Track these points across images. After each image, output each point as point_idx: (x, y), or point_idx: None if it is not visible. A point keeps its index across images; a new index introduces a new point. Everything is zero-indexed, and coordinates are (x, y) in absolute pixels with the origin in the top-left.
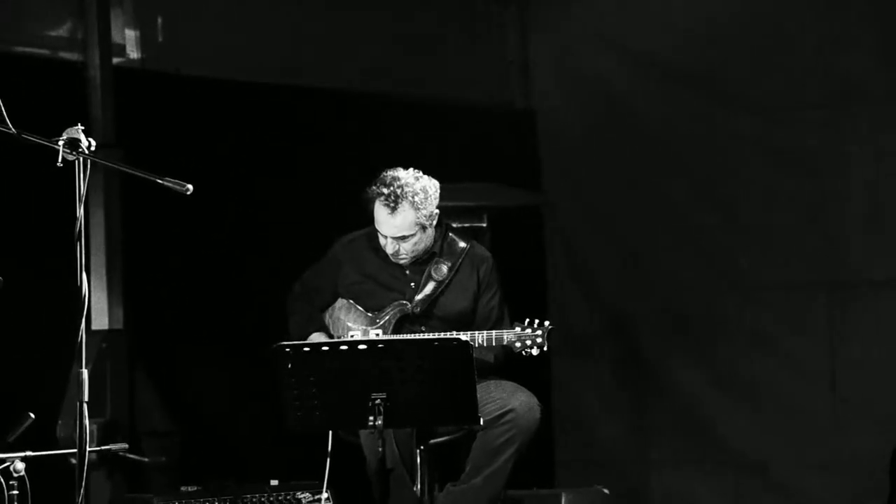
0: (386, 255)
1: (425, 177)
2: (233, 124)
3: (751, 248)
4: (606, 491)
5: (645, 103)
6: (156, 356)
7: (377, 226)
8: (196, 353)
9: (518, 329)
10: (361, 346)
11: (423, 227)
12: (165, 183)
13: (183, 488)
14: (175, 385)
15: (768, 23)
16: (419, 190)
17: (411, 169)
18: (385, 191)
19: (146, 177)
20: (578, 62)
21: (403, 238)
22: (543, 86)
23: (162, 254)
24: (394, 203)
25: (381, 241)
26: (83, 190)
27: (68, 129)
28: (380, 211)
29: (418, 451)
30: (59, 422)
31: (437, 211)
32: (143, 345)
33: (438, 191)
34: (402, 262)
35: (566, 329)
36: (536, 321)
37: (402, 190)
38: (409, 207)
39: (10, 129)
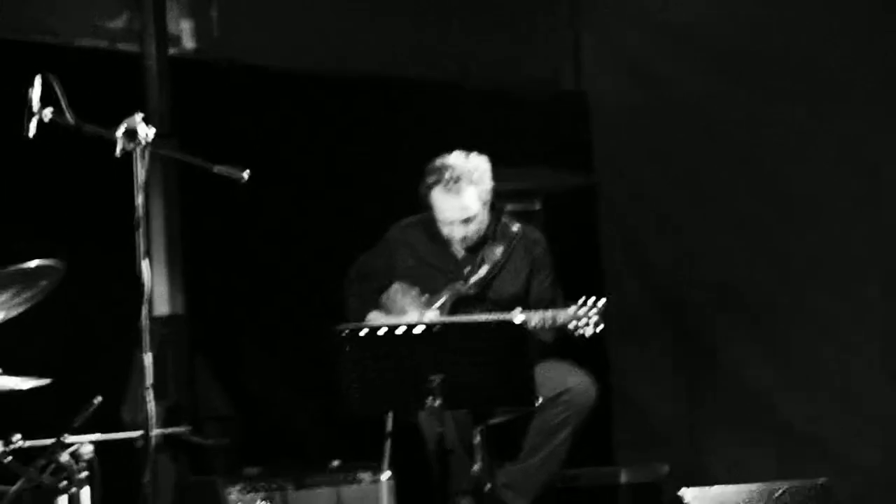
0: (442, 241)
1: (472, 154)
2: (286, 113)
3: (806, 230)
4: (666, 467)
5: (696, 85)
6: (216, 342)
7: (440, 214)
8: (257, 338)
9: (572, 309)
10: (418, 329)
11: (484, 204)
12: (220, 171)
13: (246, 470)
14: (235, 370)
15: (821, 3)
16: (473, 167)
17: (456, 151)
18: (442, 177)
19: (202, 165)
20: (628, 43)
21: (470, 220)
22: (594, 67)
23: (220, 241)
24: (455, 184)
25: (446, 230)
26: (142, 178)
27: (128, 119)
28: (442, 198)
29: (476, 431)
30: (125, 406)
31: (493, 185)
32: (203, 331)
33: (489, 165)
34: (468, 245)
35: (621, 310)
36: (591, 299)
37: (458, 171)
38: (469, 185)
39: (71, 120)
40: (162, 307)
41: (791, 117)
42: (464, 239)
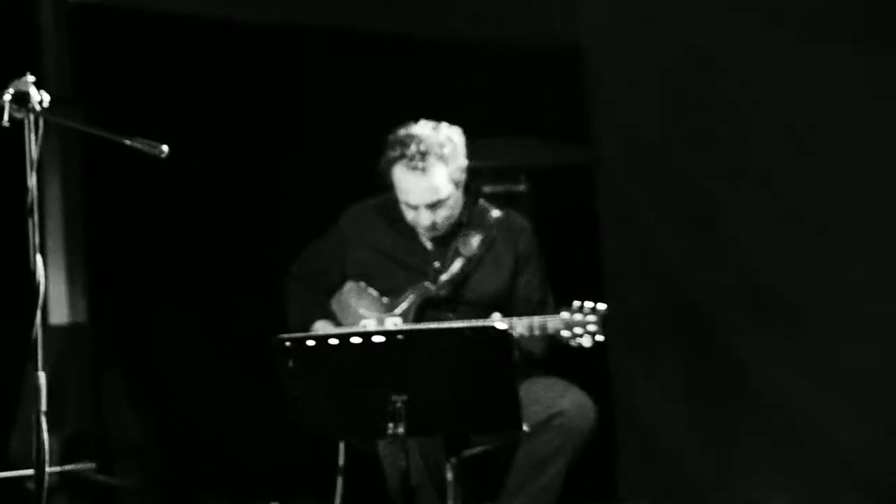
0: (404, 227)
1: (443, 124)
2: (215, 73)
3: (849, 211)
4: None
5: (719, 37)
6: (127, 356)
7: (404, 195)
8: (178, 350)
9: (565, 314)
10: (377, 338)
11: (456, 185)
12: (135, 145)
13: None
14: (151, 391)
15: None
16: (444, 140)
17: (423, 121)
18: (406, 151)
19: (112, 138)
20: None
21: (438, 203)
22: (592, 17)
23: (133, 231)
24: (421, 161)
25: (409, 214)
26: (35, 154)
27: (15, 82)
28: (405, 176)
29: (448, 464)
30: (13, 437)
31: (466, 163)
32: (112, 342)
33: (463, 138)
34: (437, 234)
35: (624, 312)
36: (588, 304)
37: (425, 144)
38: (438, 163)
39: None
40: (60, 314)
41: (839, 76)
42: (432, 226)
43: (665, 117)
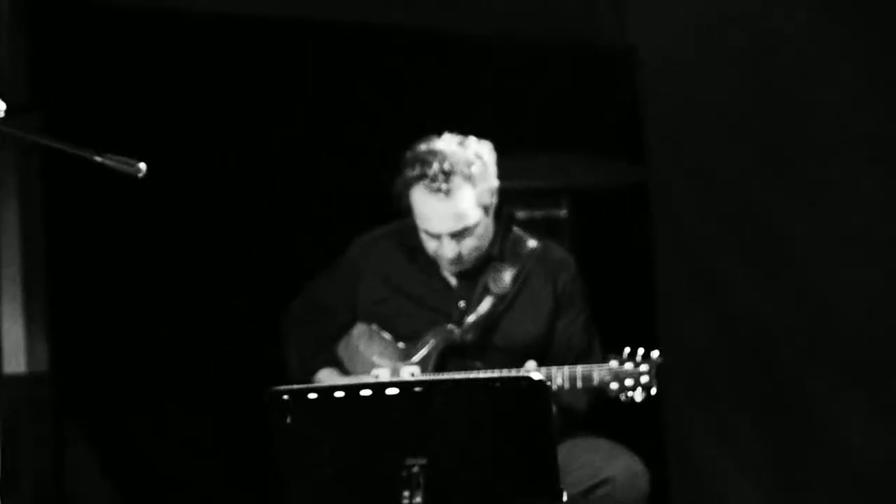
0: (424, 259)
1: (471, 138)
2: (199, 75)
3: None
4: None
5: (792, 37)
6: (93, 410)
7: (424, 222)
8: (152, 403)
9: (614, 363)
10: (391, 391)
11: (486, 210)
12: (107, 162)
13: None
14: (121, 450)
15: None
16: (472, 157)
17: (447, 134)
18: (428, 170)
19: (79, 153)
20: None
21: (465, 231)
22: (647, 13)
23: (102, 265)
24: (445, 182)
25: (431, 245)
26: None
27: None
28: (425, 200)
29: None
30: None
31: (498, 184)
32: (75, 394)
33: (494, 155)
34: (464, 268)
35: (683, 360)
36: (640, 351)
37: (450, 163)
38: (465, 184)
39: None
40: (16, 362)
41: None
42: (457, 259)
43: (732, 132)
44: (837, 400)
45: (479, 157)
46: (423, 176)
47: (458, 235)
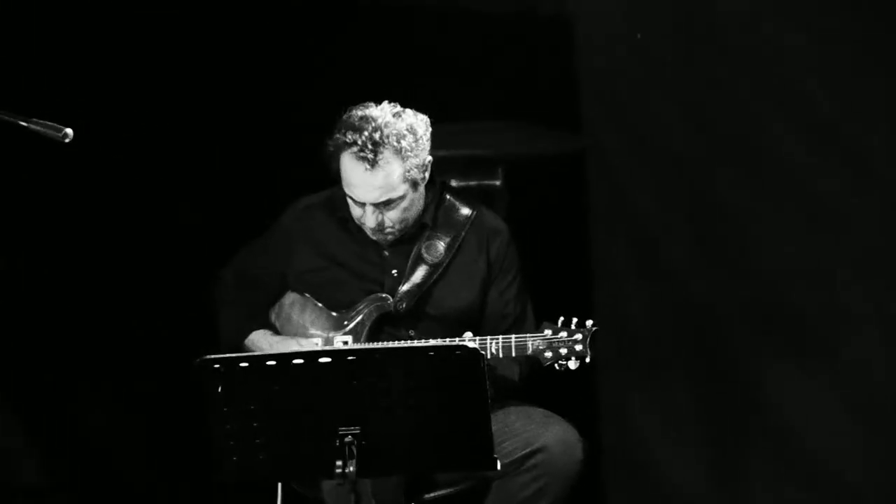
0: (356, 228)
1: (408, 111)
2: (125, 30)
3: (890, 212)
4: None
5: (732, 6)
6: (20, 385)
7: (349, 189)
8: (83, 376)
9: (548, 332)
10: (324, 359)
11: (415, 184)
12: (32, 126)
13: None
14: (53, 424)
15: None
16: (404, 130)
17: (386, 102)
18: (356, 138)
19: (6, 118)
20: None
21: (389, 203)
22: None
23: (25, 232)
24: (372, 153)
25: (356, 211)
26: None
27: None
28: (351, 167)
29: None
30: None
31: (430, 159)
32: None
33: (429, 130)
34: (387, 238)
35: (619, 330)
36: (574, 320)
37: (381, 133)
38: (393, 157)
39: None
40: None
41: (881, 51)
42: (379, 229)
43: (668, 98)
44: (771, 373)
45: (412, 130)
46: (352, 143)
47: (381, 206)
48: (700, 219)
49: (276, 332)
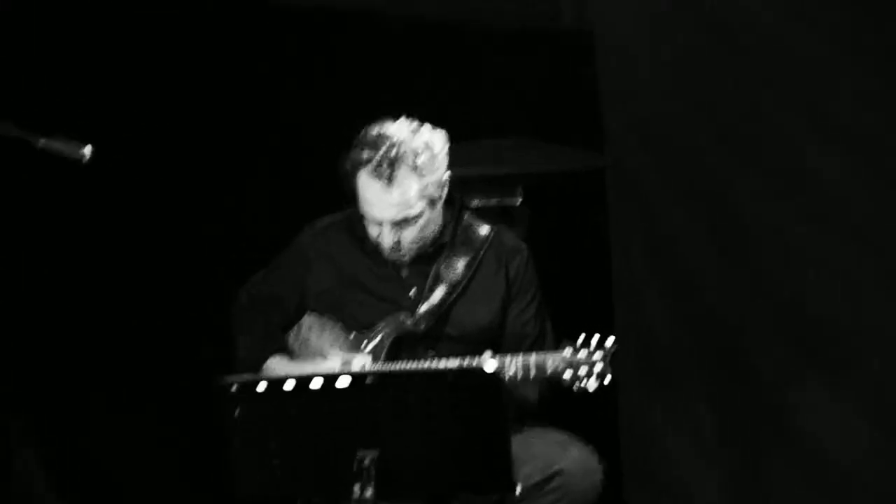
0: (374, 248)
1: (426, 127)
2: (147, 55)
3: None
4: None
5: (750, 19)
6: (37, 405)
7: (365, 207)
8: (99, 397)
9: (567, 351)
10: (342, 381)
11: (432, 202)
12: (49, 146)
13: None
14: (66, 444)
15: None
16: (421, 147)
17: (404, 118)
18: (373, 155)
19: (18, 135)
20: None
21: (406, 221)
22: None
23: (41, 254)
24: (388, 170)
25: (373, 230)
26: None
27: None
28: (368, 185)
29: None
30: None
31: (448, 176)
32: (15, 389)
33: (447, 146)
34: (404, 257)
35: (641, 349)
36: (594, 339)
37: (398, 150)
38: (409, 174)
39: None
40: None
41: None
42: (396, 248)
43: (690, 115)
44: (796, 387)
45: (429, 147)
46: (368, 160)
47: (398, 224)
48: (722, 233)
49: (294, 356)
